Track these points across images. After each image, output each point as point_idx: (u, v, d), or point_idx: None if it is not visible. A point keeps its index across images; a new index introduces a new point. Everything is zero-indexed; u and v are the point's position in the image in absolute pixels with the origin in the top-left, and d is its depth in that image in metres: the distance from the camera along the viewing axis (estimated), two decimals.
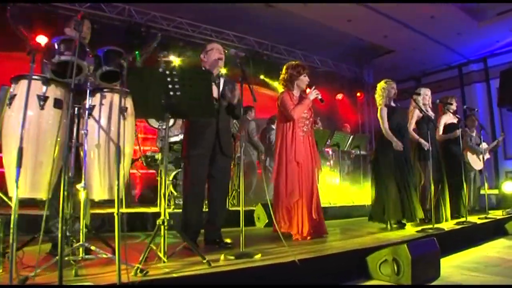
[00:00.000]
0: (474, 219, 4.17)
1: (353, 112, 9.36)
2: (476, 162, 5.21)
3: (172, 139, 4.18)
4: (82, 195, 1.89)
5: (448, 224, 3.75)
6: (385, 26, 7.04)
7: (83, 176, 1.89)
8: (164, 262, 1.96)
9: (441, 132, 4.60)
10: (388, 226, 3.57)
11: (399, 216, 3.54)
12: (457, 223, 3.78)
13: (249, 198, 5.25)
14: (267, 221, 3.88)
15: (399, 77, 9.33)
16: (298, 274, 2.00)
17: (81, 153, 1.99)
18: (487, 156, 5.49)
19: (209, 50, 2.60)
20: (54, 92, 2.03)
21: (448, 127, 4.65)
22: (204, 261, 1.92)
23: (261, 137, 5.82)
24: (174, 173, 4.05)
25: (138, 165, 4.71)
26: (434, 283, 2.19)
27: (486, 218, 4.28)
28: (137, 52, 5.62)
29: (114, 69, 2.04)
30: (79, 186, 1.89)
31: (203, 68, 2.58)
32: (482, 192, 5.34)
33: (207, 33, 6.78)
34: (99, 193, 2.13)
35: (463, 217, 4.28)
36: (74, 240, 1.97)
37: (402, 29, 7.15)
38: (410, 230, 3.39)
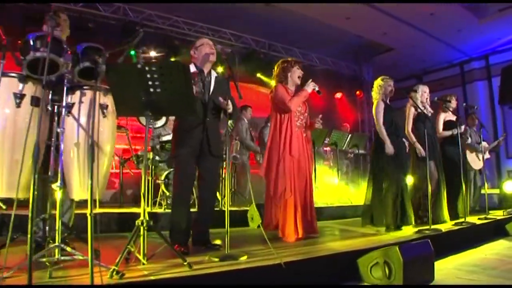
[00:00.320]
0: (474, 219, 4.07)
1: (352, 111, 9.26)
2: (475, 162, 5.11)
3: (165, 138, 4.11)
4: (58, 195, 1.82)
5: (446, 225, 3.65)
6: (384, 23, 6.94)
7: (59, 175, 1.82)
8: (143, 264, 1.89)
9: (440, 129, 4.49)
10: (384, 227, 3.49)
11: (393, 218, 3.44)
12: (456, 224, 3.68)
13: (244, 199, 5.18)
14: (260, 221, 3.80)
15: (400, 75, 9.23)
16: (284, 277, 1.92)
17: (59, 152, 1.92)
18: (487, 155, 5.38)
19: (199, 45, 2.52)
20: (31, 89, 1.97)
21: (447, 125, 4.55)
22: (185, 263, 1.85)
23: (259, 136, 5.74)
24: (166, 172, 3.98)
25: (131, 165, 4.64)
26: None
27: (486, 218, 4.18)
28: (133, 52, 5.55)
29: (90, 66, 1.97)
30: (54, 186, 1.82)
31: (193, 65, 2.49)
32: (482, 192, 5.23)
33: (203, 31, 6.70)
34: (79, 193, 2.07)
35: (462, 217, 4.26)
36: (51, 241, 1.90)
37: (402, 26, 7.05)
38: (406, 231, 3.30)
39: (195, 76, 2.33)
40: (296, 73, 3.11)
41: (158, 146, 3.96)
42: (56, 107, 2.00)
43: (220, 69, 7.06)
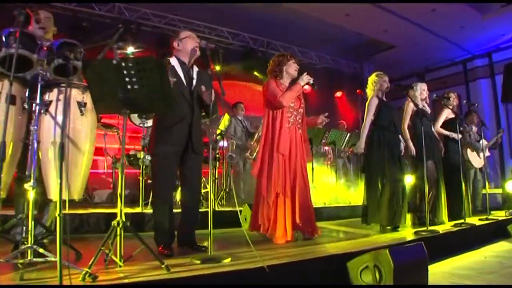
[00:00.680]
0: (474, 220, 3.95)
1: (353, 110, 9.13)
2: (476, 160, 4.97)
3: None
4: (31, 195, 1.75)
5: (444, 226, 3.54)
6: (385, 20, 6.80)
7: (32, 175, 1.75)
8: (120, 266, 1.82)
9: (439, 125, 4.37)
10: (381, 228, 3.39)
11: (389, 219, 3.34)
12: (455, 225, 3.56)
13: (240, 199, 5.09)
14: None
15: (401, 73, 9.10)
16: (268, 280, 1.84)
17: (35, 151, 1.85)
18: (486, 153, 5.24)
19: (183, 38, 2.41)
20: (7, 87, 1.91)
21: (448, 123, 4.44)
22: (163, 265, 1.78)
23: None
24: None
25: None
26: None
27: (487, 219, 4.06)
28: (129, 52, 5.50)
29: (63, 62, 1.90)
30: (27, 186, 1.75)
31: (175, 57, 2.41)
32: (483, 191, 5.10)
33: (200, 29, 6.63)
34: (57, 192, 1.99)
35: (463, 218, 4.15)
36: (26, 242, 1.84)
37: (402, 23, 6.91)
38: (402, 233, 3.19)
39: (175, 70, 2.25)
40: (292, 67, 2.99)
41: None
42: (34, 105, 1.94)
43: (217, 67, 7.02)
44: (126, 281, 1.63)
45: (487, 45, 7.79)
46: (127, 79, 1.83)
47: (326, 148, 6.42)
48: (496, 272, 2.47)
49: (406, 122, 3.87)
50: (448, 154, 4.27)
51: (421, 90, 4.00)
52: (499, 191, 6.03)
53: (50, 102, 1.97)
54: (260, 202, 2.92)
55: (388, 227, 3.39)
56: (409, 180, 3.76)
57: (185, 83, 2.31)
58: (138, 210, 3.86)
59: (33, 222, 1.79)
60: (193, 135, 2.32)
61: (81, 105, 1.99)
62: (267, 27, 6.96)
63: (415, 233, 3.08)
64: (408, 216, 3.65)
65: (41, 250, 1.76)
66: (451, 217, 3.94)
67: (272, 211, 2.85)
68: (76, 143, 1.97)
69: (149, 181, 3.95)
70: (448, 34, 7.33)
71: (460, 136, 4.41)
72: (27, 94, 1.97)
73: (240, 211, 4.01)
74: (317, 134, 5.56)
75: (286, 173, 2.88)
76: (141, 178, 3.76)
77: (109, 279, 1.66)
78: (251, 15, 6.52)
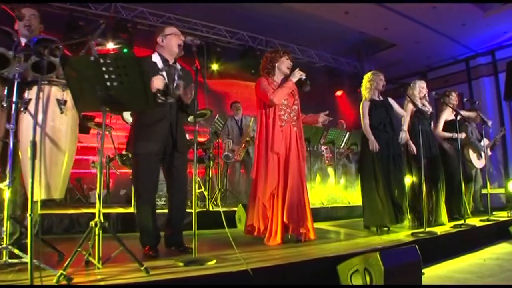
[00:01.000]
0: (475, 221, 3.85)
1: (354, 109, 9.01)
2: (476, 160, 4.86)
3: None
4: (6, 195, 1.70)
5: (443, 228, 3.44)
6: (385, 17, 6.69)
7: (7, 174, 1.70)
8: (98, 268, 1.76)
9: (440, 128, 4.28)
10: (377, 230, 3.30)
11: (385, 220, 3.25)
12: (454, 226, 3.46)
13: (236, 199, 5.03)
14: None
15: (403, 72, 8.97)
16: (253, 284, 1.76)
17: (11, 150, 1.80)
18: (488, 153, 5.13)
19: (168, 34, 2.34)
20: None
21: (449, 124, 4.34)
22: (142, 268, 1.72)
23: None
24: None
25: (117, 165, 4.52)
26: None
27: (488, 220, 3.95)
28: (125, 50, 5.46)
29: (38, 59, 1.84)
30: (2, 185, 1.70)
31: (157, 54, 2.34)
32: (484, 191, 4.98)
33: (197, 28, 6.57)
34: (37, 192, 1.94)
35: (463, 219, 4.06)
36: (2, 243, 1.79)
37: (403, 20, 6.79)
38: (398, 234, 3.10)
39: (157, 66, 2.18)
40: (285, 63, 2.90)
41: None
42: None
43: (215, 66, 6.97)
44: (102, 283, 1.58)
45: (490, 43, 7.64)
46: (106, 76, 1.78)
47: (324, 148, 6.32)
48: (495, 275, 2.38)
49: (406, 123, 3.78)
50: (446, 153, 4.17)
51: (420, 88, 3.91)
52: (503, 191, 5.91)
53: (30, 100, 1.92)
54: (254, 203, 2.84)
55: (385, 229, 3.30)
56: (407, 180, 3.67)
57: (167, 80, 2.25)
58: (131, 210, 3.81)
59: (9, 222, 1.74)
60: (175, 134, 2.25)
61: (61, 103, 1.93)
62: (265, 25, 6.89)
63: (412, 234, 2.99)
64: (409, 217, 3.57)
65: (16, 251, 1.71)
66: (451, 218, 3.85)
67: (266, 212, 2.78)
68: (55, 141, 1.91)
69: None
70: (449, 31, 7.20)
71: (463, 135, 4.31)
72: (5, 93, 1.91)
73: (235, 211, 3.97)
74: (315, 133, 5.47)
75: (281, 173, 2.80)
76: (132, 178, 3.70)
77: (84, 281, 1.61)
78: (249, 13, 6.44)
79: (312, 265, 2.01)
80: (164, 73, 2.25)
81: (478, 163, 4.83)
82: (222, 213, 2.08)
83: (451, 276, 2.34)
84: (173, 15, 6.29)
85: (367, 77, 3.59)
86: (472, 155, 4.83)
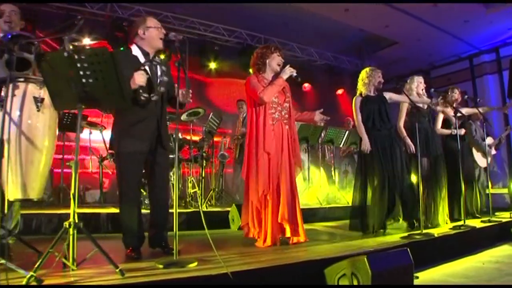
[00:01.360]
0: (475, 222, 3.73)
1: None
2: (481, 159, 4.73)
3: None
4: None
5: (441, 229, 3.34)
6: (385, 15, 6.57)
7: None
8: (73, 270, 1.71)
9: (439, 126, 4.17)
10: (372, 231, 3.21)
11: (382, 221, 3.16)
12: (453, 228, 3.36)
13: (232, 199, 4.96)
14: (240, 224, 3.57)
15: (406, 70, 8.78)
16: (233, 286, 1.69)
17: None
18: (493, 151, 5.00)
19: (150, 26, 2.25)
20: None
21: (448, 122, 4.23)
22: (117, 270, 1.66)
23: None
24: None
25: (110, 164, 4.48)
26: None
27: (489, 221, 3.83)
28: (122, 48, 5.41)
29: (11, 56, 1.79)
30: None
31: (136, 46, 2.26)
32: (489, 191, 4.85)
33: (195, 26, 6.51)
34: (13, 192, 1.89)
35: (474, 218, 3.99)
36: None
37: (404, 18, 6.66)
38: (394, 236, 3.00)
39: (138, 60, 2.11)
40: (275, 60, 2.81)
41: None
42: None
43: (213, 64, 6.90)
44: (75, 284, 1.52)
45: (494, 40, 7.47)
46: (81, 73, 1.71)
47: (321, 147, 6.22)
48: (493, 280, 2.28)
49: (402, 120, 3.69)
50: (450, 151, 4.06)
51: (417, 83, 3.80)
52: (505, 191, 5.76)
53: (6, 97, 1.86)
54: (247, 204, 2.77)
55: (381, 230, 3.21)
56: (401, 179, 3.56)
57: (150, 76, 2.17)
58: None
59: None
60: (161, 132, 2.18)
61: (38, 100, 1.88)
62: (264, 23, 6.80)
63: (408, 236, 2.89)
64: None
65: None
66: (452, 219, 3.75)
67: (258, 213, 2.70)
68: (32, 140, 1.86)
69: None
70: (452, 28, 7.05)
71: (462, 131, 4.20)
72: None
73: (229, 212, 3.90)
74: (314, 132, 5.39)
75: (272, 173, 2.71)
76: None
77: (55, 283, 1.56)
78: (247, 11, 6.36)
79: (298, 268, 1.93)
80: (147, 68, 2.18)
81: (482, 162, 4.71)
82: (201, 214, 1.99)
83: (447, 280, 2.25)
84: (170, 14, 6.23)
85: (365, 72, 3.50)
86: (476, 154, 4.71)
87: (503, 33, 7.14)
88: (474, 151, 4.72)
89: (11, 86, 1.87)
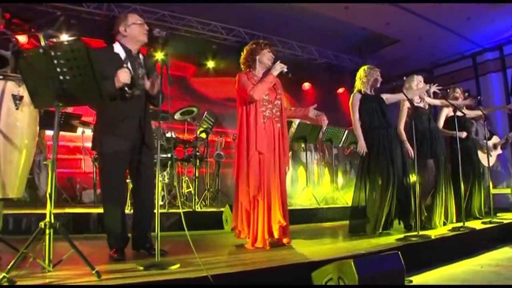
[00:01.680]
0: (476, 223, 3.63)
1: None
2: (484, 158, 4.61)
3: None
4: None
5: (439, 231, 3.24)
6: (386, 12, 6.47)
7: None
8: (48, 271, 1.67)
9: (441, 125, 4.08)
10: (370, 231, 3.13)
11: (379, 222, 3.07)
12: (452, 229, 3.26)
13: (229, 199, 4.89)
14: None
15: (408, 69, 8.63)
16: None
17: None
18: (498, 151, 4.88)
19: (131, 23, 2.19)
20: None
21: (450, 121, 4.12)
22: (93, 271, 1.61)
23: None
24: None
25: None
26: None
27: (490, 222, 3.72)
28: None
29: None
30: None
31: (118, 44, 2.21)
32: (494, 191, 4.74)
33: (192, 25, 6.46)
34: None
35: (480, 218, 3.90)
36: None
37: (405, 15, 6.56)
38: (389, 238, 2.92)
39: (120, 58, 2.06)
40: (266, 56, 2.74)
41: None
42: None
43: (211, 63, 6.84)
44: (48, 285, 1.48)
45: (498, 37, 7.34)
46: (58, 69, 1.66)
47: (320, 146, 6.14)
48: (491, 284, 2.19)
49: (402, 122, 3.59)
50: (454, 152, 3.96)
51: (417, 82, 3.72)
52: (507, 191, 5.64)
53: None
54: (237, 205, 2.71)
55: (376, 232, 3.13)
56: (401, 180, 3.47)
57: (132, 73, 2.12)
58: None
59: None
60: (144, 130, 2.13)
61: (17, 98, 1.83)
62: (263, 21, 6.72)
63: (404, 238, 2.80)
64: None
65: None
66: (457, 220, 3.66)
67: (247, 215, 2.63)
68: (10, 139, 1.81)
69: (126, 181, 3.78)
70: (454, 26, 6.92)
71: (463, 134, 4.10)
72: None
73: (222, 212, 3.83)
74: (312, 131, 5.30)
75: (264, 173, 2.64)
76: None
77: (29, 284, 1.53)
78: (246, 9, 6.29)
79: (284, 271, 1.86)
80: (129, 65, 2.12)
81: (485, 161, 4.59)
82: (182, 214, 1.93)
83: (441, 284, 2.16)
84: (167, 12, 6.19)
85: (363, 70, 3.42)
86: (479, 153, 4.60)
87: (507, 30, 7.00)
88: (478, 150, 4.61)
89: None
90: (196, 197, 3.88)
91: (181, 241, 2.92)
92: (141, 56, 2.26)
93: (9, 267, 1.53)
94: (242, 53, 2.86)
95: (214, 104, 6.75)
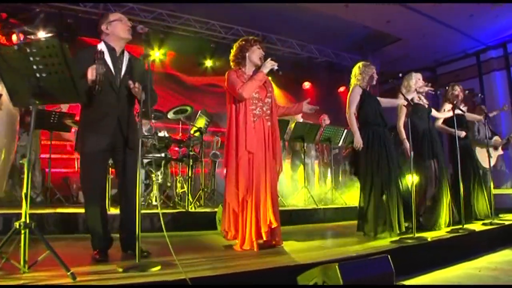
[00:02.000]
0: (477, 225, 3.54)
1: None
2: (485, 159, 4.50)
3: None
4: None
5: (437, 233, 3.15)
6: (386, 10, 6.37)
7: None
8: (23, 272, 1.63)
9: (440, 122, 4.00)
10: (366, 234, 3.05)
11: (375, 225, 2.99)
12: (451, 231, 3.17)
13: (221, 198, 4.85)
14: None
15: (411, 68, 8.53)
16: None
17: None
18: (499, 151, 4.77)
19: (113, 20, 2.15)
20: None
21: (450, 119, 4.03)
22: (68, 273, 1.57)
23: None
24: None
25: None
26: None
27: (491, 224, 3.62)
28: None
29: None
30: None
31: (103, 42, 2.16)
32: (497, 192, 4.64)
33: (190, 23, 6.41)
34: None
35: (482, 219, 3.84)
36: None
37: (406, 12, 6.45)
38: (385, 240, 2.83)
39: (98, 54, 2.01)
40: (255, 53, 2.67)
41: None
42: None
43: (209, 62, 6.79)
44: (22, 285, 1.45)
45: (501, 35, 7.20)
46: (34, 67, 1.62)
47: (317, 146, 6.05)
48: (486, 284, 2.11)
49: (402, 120, 3.51)
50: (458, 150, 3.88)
51: (416, 80, 3.63)
52: (509, 191, 5.52)
53: None
54: (225, 206, 2.64)
55: (371, 233, 3.04)
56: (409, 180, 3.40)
57: (113, 71, 2.07)
58: (114, 211, 3.68)
59: None
60: (123, 129, 2.08)
61: None
62: (262, 20, 6.66)
63: (399, 240, 2.72)
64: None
65: None
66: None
67: (235, 216, 2.57)
68: None
69: None
70: (457, 23, 6.80)
71: (462, 133, 4.01)
72: None
73: (216, 212, 3.78)
74: (310, 131, 5.23)
75: (254, 173, 2.58)
76: (109, 177, 3.57)
77: (4, 285, 1.50)
78: (244, 7, 6.23)
79: (268, 275, 1.80)
80: (110, 63, 2.08)
81: (485, 162, 4.48)
82: (161, 215, 1.88)
83: (433, 284, 2.08)
84: (164, 11, 6.15)
85: (358, 67, 3.34)
86: (479, 154, 4.49)
87: (510, 28, 6.86)
88: (477, 150, 4.50)
89: None
90: (190, 197, 3.82)
91: (171, 242, 2.88)
92: (126, 55, 2.21)
93: None
94: (231, 50, 2.80)
95: (212, 104, 6.70)
